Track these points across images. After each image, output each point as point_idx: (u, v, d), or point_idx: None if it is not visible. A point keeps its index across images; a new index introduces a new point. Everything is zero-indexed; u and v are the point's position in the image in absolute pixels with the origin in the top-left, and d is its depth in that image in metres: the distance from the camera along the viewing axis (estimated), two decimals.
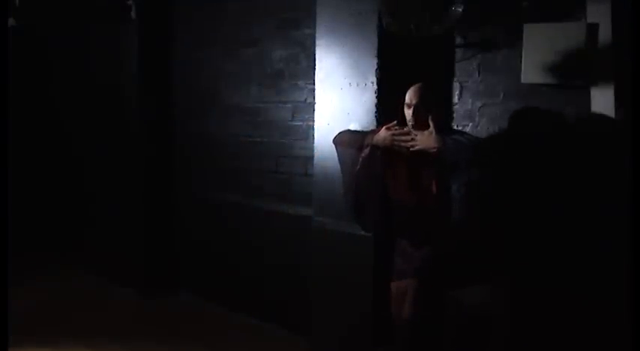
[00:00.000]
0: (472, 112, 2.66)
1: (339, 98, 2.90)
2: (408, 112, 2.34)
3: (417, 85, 2.35)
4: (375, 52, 2.72)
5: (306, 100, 3.35)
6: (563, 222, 2.39)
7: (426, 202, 2.34)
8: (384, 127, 2.40)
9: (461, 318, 2.58)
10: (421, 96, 2.32)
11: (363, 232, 2.75)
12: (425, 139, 2.27)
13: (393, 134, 2.35)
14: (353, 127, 2.82)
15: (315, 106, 3.04)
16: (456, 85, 2.70)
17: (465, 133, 2.47)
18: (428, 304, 2.38)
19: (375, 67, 2.73)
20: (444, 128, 2.35)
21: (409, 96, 2.34)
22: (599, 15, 2.30)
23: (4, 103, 2.81)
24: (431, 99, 2.34)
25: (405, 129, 2.35)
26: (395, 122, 2.39)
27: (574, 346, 2.31)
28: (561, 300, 2.39)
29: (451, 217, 2.24)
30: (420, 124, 2.31)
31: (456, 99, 2.71)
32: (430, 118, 2.28)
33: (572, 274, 2.37)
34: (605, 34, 2.29)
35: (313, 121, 3.08)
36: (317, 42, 3.01)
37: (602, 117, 2.31)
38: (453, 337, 2.56)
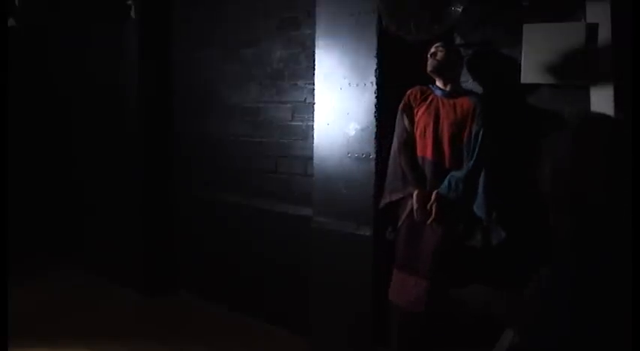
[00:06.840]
0: None
1: (338, 98, 2.90)
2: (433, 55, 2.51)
3: None
4: (375, 52, 2.72)
5: (305, 100, 3.35)
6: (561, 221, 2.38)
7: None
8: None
9: (462, 317, 2.58)
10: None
11: (362, 232, 2.76)
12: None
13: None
14: (352, 127, 2.81)
15: (315, 106, 3.04)
16: None
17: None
18: (436, 304, 2.40)
19: (375, 67, 2.72)
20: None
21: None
22: (599, 15, 2.30)
23: (4, 103, 2.81)
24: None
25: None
26: None
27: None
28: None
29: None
30: (443, 66, 2.49)
31: None
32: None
33: (571, 274, 2.36)
34: (605, 34, 2.29)
35: (313, 121, 3.07)
36: (317, 42, 3.00)
37: (602, 117, 2.30)
38: (452, 335, 2.56)
